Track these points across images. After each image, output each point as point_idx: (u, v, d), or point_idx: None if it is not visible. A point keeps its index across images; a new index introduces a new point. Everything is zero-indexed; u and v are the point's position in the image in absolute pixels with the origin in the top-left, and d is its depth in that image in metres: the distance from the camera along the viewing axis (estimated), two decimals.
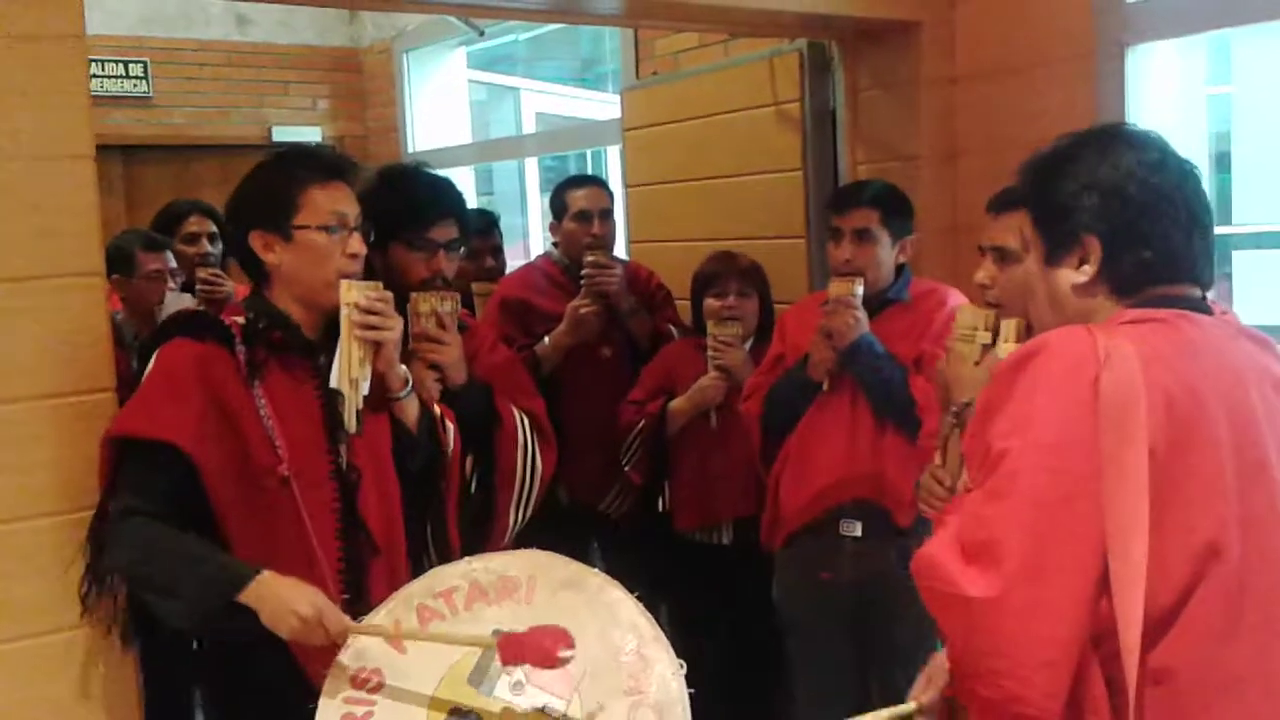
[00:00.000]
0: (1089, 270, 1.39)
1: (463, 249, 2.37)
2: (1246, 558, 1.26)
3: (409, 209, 2.25)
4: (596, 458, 3.08)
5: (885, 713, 1.56)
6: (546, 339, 3.08)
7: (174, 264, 3.18)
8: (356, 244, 1.92)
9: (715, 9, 2.84)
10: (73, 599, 1.85)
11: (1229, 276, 3.03)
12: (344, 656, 1.66)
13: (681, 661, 1.60)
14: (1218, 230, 1.44)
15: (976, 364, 1.93)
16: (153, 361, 1.85)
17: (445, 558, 1.98)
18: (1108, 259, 1.37)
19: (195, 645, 2.01)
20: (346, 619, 1.68)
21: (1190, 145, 2.68)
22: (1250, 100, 3.21)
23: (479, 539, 2.17)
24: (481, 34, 5.09)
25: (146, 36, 5.47)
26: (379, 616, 1.71)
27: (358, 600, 1.83)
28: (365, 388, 1.91)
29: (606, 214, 3.22)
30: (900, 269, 2.68)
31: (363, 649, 1.67)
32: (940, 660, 1.54)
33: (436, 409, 2.09)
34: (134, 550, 1.75)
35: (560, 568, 1.74)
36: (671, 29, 3.92)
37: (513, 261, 3.86)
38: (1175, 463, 1.24)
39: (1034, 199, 1.46)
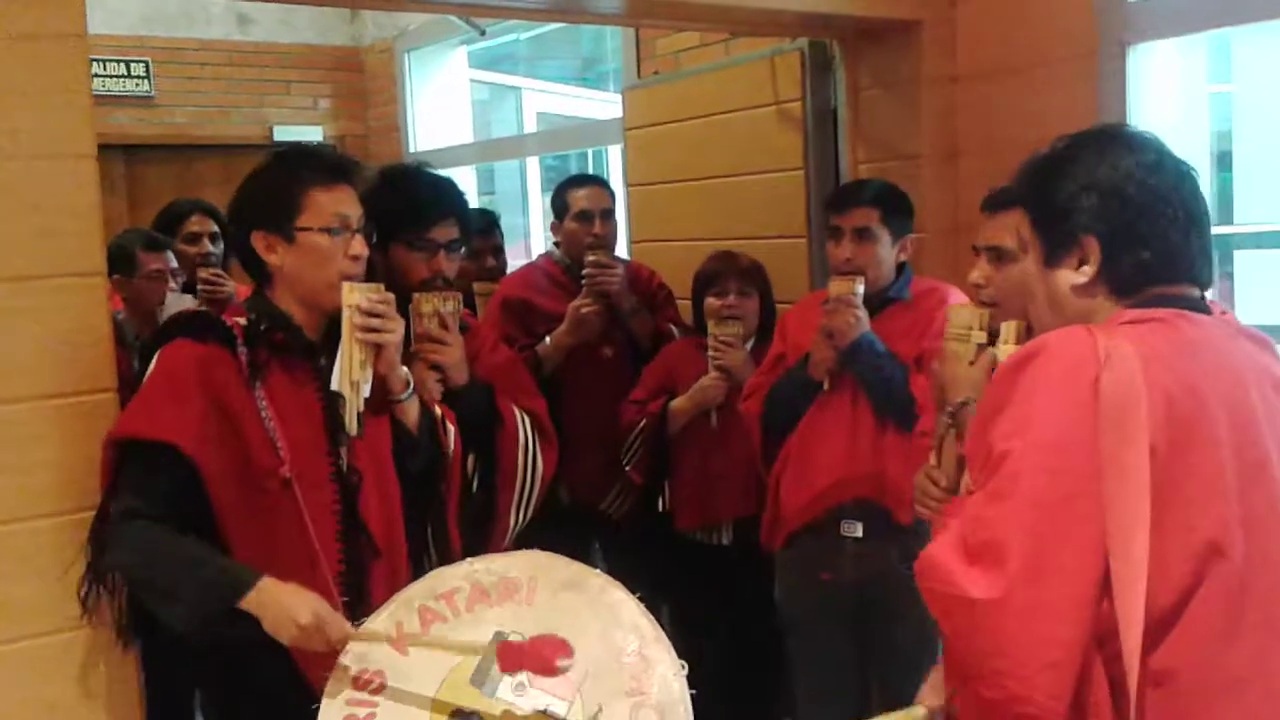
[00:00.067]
0: (1088, 271, 1.39)
1: (464, 249, 2.37)
2: (1247, 557, 1.26)
3: (410, 209, 2.25)
4: (597, 457, 3.08)
5: (894, 716, 1.56)
6: (548, 339, 3.08)
7: (175, 264, 3.18)
8: (359, 246, 1.91)
9: (716, 8, 2.84)
10: (73, 600, 1.85)
11: (1230, 276, 3.02)
12: (346, 658, 1.66)
13: (683, 662, 1.60)
14: (1219, 230, 1.45)
15: (971, 363, 1.92)
16: (154, 362, 1.84)
17: (446, 559, 1.98)
18: (1107, 260, 1.37)
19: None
20: (347, 626, 1.68)
21: (1191, 144, 2.68)
22: (1251, 99, 3.20)
23: (480, 539, 2.17)
24: (483, 33, 5.09)
25: (148, 36, 5.49)
26: (380, 618, 1.71)
27: (358, 602, 1.82)
28: (366, 390, 1.91)
29: (608, 214, 3.22)
30: (901, 268, 2.68)
31: (365, 651, 1.67)
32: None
33: (437, 410, 2.09)
34: (135, 554, 1.75)
35: (562, 568, 1.74)
36: (672, 28, 3.91)
37: (514, 261, 3.86)
38: (1176, 462, 1.24)
39: (1032, 200, 1.46)
